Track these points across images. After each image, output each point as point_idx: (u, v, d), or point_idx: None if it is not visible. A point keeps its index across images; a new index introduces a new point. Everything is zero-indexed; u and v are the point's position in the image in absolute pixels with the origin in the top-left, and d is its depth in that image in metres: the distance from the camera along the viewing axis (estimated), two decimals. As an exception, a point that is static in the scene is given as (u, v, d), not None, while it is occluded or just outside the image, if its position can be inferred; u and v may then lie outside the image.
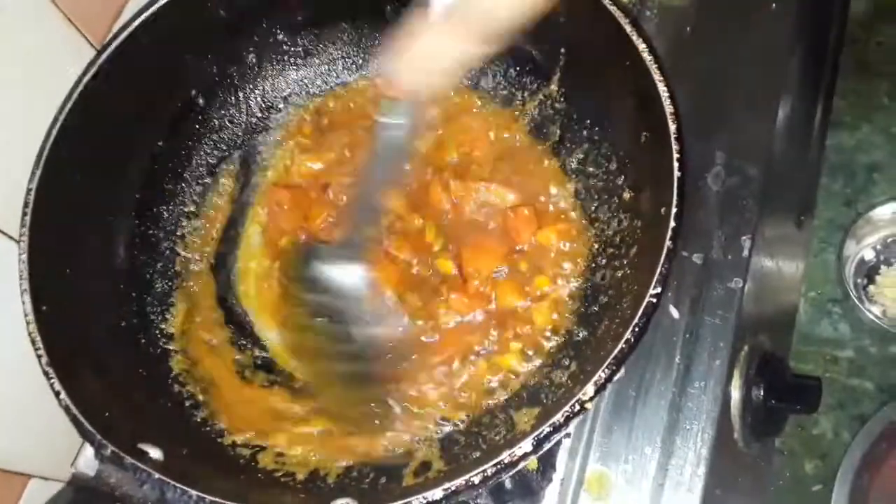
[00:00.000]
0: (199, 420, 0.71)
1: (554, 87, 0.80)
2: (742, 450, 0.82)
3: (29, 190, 0.69)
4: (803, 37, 0.96)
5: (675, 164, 0.58)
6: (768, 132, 0.88)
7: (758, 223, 0.83)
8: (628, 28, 0.63)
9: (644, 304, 0.55)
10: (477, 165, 0.82)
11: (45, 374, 0.61)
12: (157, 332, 0.77)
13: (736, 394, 0.78)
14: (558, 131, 0.80)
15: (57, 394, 0.60)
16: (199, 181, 0.85)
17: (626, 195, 0.71)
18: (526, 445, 0.53)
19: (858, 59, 1.32)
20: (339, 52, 0.88)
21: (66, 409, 0.59)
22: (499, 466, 0.53)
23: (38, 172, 0.69)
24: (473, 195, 0.78)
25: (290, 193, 0.83)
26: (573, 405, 0.53)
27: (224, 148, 0.87)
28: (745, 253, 0.82)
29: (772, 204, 0.87)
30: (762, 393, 0.81)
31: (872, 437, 1.11)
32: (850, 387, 1.20)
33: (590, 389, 0.53)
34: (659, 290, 0.55)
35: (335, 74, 0.89)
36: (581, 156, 0.78)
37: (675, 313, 0.79)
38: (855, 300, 1.19)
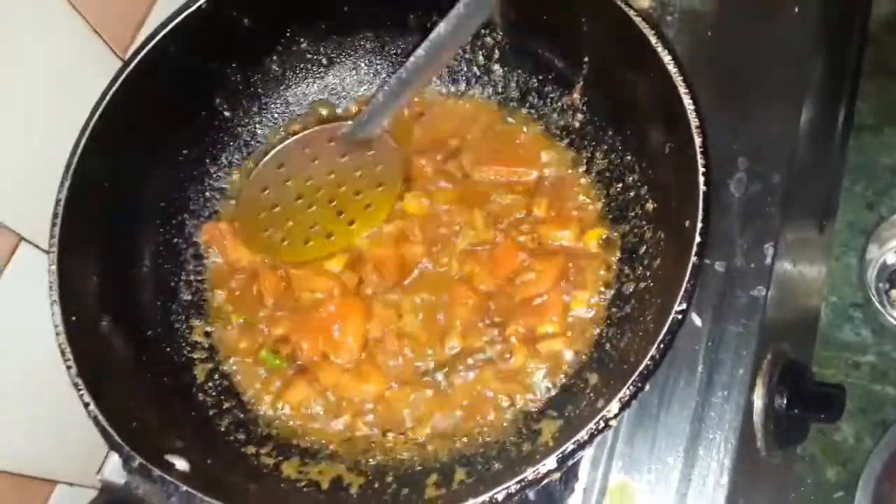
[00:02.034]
0: (223, 429, 0.71)
1: (577, 95, 0.79)
2: (765, 458, 0.82)
3: (58, 200, 0.70)
4: (825, 39, 0.95)
5: (701, 179, 0.58)
6: (791, 137, 0.87)
7: (780, 230, 0.83)
8: (653, 39, 0.63)
9: (669, 320, 0.54)
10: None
11: (75, 385, 0.62)
12: (182, 340, 0.77)
13: (759, 402, 0.78)
14: (581, 139, 0.80)
15: (86, 405, 0.61)
16: (223, 190, 0.86)
17: (650, 206, 0.71)
18: (550, 463, 0.53)
19: (880, 61, 1.30)
20: (363, 60, 0.88)
21: (96, 421, 0.60)
22: (522, 483, 0.53)
23: (67, 183, 0.70)
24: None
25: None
26: (598, 422, 0.53)
27: (248, 156, 0.87)
28: (768, 260, 0.81)
29: (794, 209, 0.86)
30: (785, 402, 0.80)
31: (894, 443, 1.10)
32: (872, 392, 1.19)
33: (614, 407, 0.53)
34: (684, 306, 0.55)
35: (358, 83, 0.89)
36: (604, 164, 0.78)
37: (697, 321, 0.78)
38: (877, 305, 1.18)
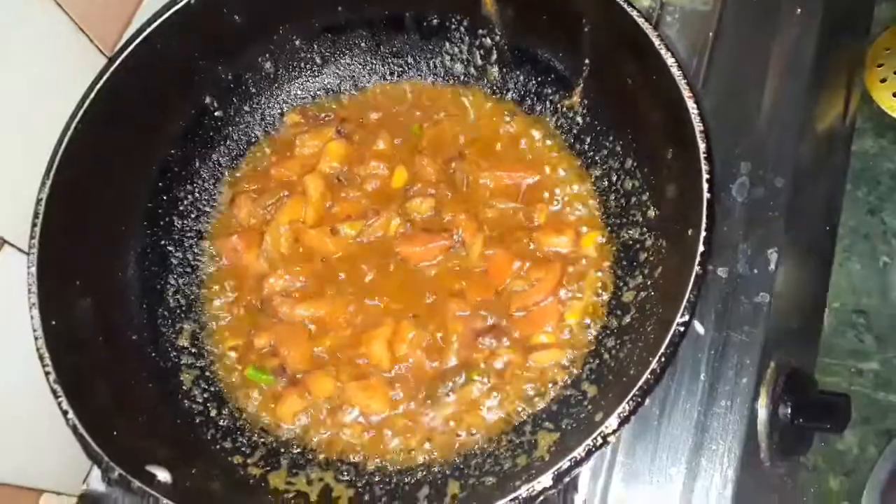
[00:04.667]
0: (208, 437, 0.69)
1: (577, 98, 0.78)
2: (768, 469, 0.80)
3: (39, 201, 0.68)
4: (828, 41, 0.93)
5: (705, 186, 0.56)
6: (795, 141, 0.86)
7: (784, 235, 0.81)
8: (656, 41, 0.61)
9: (671, 332, 0.52)
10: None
11: (53, 391, 0.60)
12: (168, 344, 0.75)
13: (762, 412, 0.76)
14: (581, 143, 0.78)
15: (65, 413, 0.59)
16: (213, 188, 0.84)
17: (651, 212, 0.69)
18: (546, 480, 0.51)
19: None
20: (357, 59, 0.86)
21: (74, 429, 0.58)
22: (517, 500, 0.51)
23: (48, 183, 0.68)
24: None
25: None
26: (595, 438, 0.51)
27: (238, 156, 0.85)
28: (772, 266, 0.80)
29: (798, 215, 0.85)
30: (789, 412, 0.78)
31: (899, 452, 1.09)
32: (875, 400, 1.17)
33: (613, 422, 0.51)
34: (687, 318, 0.53)
35: (352, 81, 0.87)
36: (604, 169, 0.76)
37: (700, 329, 0.77)
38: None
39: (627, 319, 0.67)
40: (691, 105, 0.59)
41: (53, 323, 0.63)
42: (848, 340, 1.19)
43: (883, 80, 1.14)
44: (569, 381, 0.68)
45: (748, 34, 0.91)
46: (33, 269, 0.64)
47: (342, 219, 0.80)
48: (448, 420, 0.69)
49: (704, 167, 0.57)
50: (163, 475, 0.58)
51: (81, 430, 0.58)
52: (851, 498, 1.09)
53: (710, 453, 0.73)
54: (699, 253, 0.55)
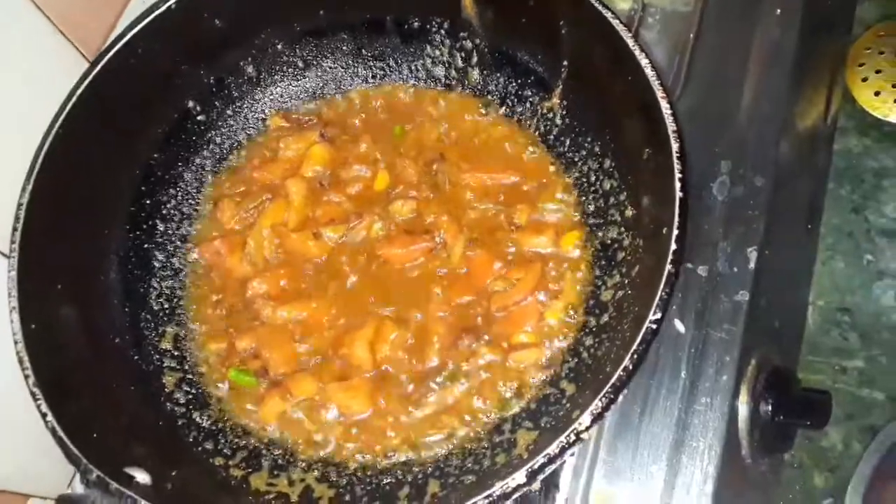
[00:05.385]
0: (190, 440, 0.70)
1: (556, 100, 0.78)
2: (750, 466, 0.80)
3: (20, 205, 0.68)
4: (809, 41, 0.94)
5: (677, 185, 0.56)
6: (775, 140, 0.86)
7: (764, 233, 0.81)
8: (630, 42, 0.62)
9: (643, 329, 0.53)
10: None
11: (32, 394, 0.60)
12: (151, 347, 0.75)
13: (743, 409, 0.77)
14: (560, 144, 0.79)
15: (44, 415, 0.59)
16: (196, 192, 0.84)
17: (629, 212, 0.70)
18: (519, 477, 0.51)
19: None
20: (339, 62, 0.87)
21: (53, 432, 0.58)
22: (491, 498, 0.52)
23: (29, 187, 0.68)
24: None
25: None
26: (569, 436, 0.51)
27: (221, 159, 0.86)
28: (752, 265, 0.80)
29: (779, 213, 0.85)
30: (770, 409, 0.79)
31: (883, 448, 1.09)
32: (859, 397, 1.17)
33: (586, 419, 0.52)
34: (659, 315, 0.53)
35: (335, 84, 0.88)
36: (583, 169, 0.77)
37: (680, 327, 0.77)
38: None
39: (606, 318, 0.68)
40: (664, 105, 0.59)
41: (33, 326, 0.63)
42: (832, 338, 1.19)
43: (864, 80, 1.14)
44: (548, 380, 0.69)
45: (729, 34, 0.92)
46: (13, 273, 0.65)
47: (325, 222, 0.80)
48: (429, 420, 0.70)
49: (677, 167, 0.57)
50: (142, 477, 0.58)
51: (60, 432, 0.58)
52: (836, 494, 1.10)
53: (691, 450, 0.73)
54: (672, 251, 0.55)
